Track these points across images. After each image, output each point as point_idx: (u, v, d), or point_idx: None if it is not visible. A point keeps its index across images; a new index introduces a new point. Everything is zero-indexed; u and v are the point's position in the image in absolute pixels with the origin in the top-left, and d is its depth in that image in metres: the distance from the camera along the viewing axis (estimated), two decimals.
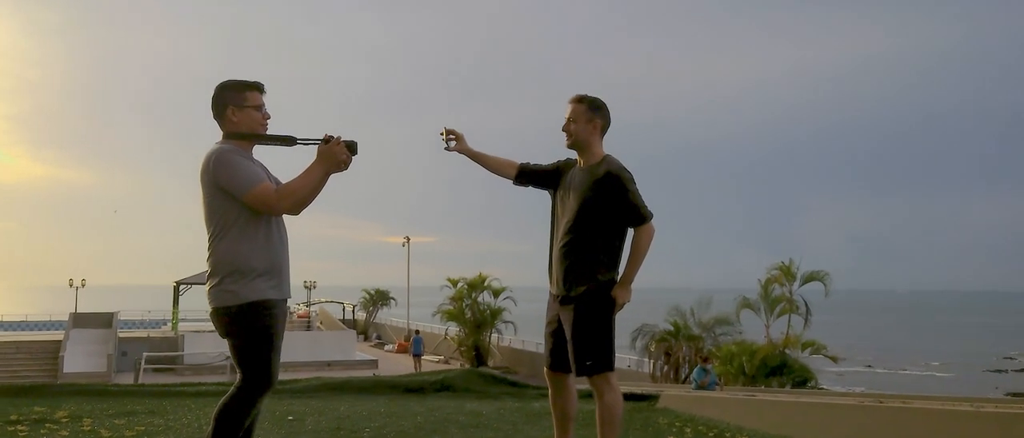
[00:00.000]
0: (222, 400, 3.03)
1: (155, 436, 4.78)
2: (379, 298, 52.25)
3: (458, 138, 3.61)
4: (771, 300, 25.26)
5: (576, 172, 3.50)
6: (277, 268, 3.09)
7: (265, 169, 3.17)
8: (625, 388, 10.90)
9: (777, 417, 11.63)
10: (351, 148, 3.07)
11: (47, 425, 5.09)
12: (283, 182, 3.19)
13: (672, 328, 25.60)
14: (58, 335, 31.86)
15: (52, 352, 29.62)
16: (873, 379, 42.39)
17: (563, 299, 3.44)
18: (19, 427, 4.98)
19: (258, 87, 3.17)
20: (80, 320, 32.99)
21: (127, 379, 25.78)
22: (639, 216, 3.35)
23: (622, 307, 3.41)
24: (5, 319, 46.58)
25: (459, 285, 35.02)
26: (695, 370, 16.15)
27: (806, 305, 25.10)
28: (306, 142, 3.09)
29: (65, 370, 27.97)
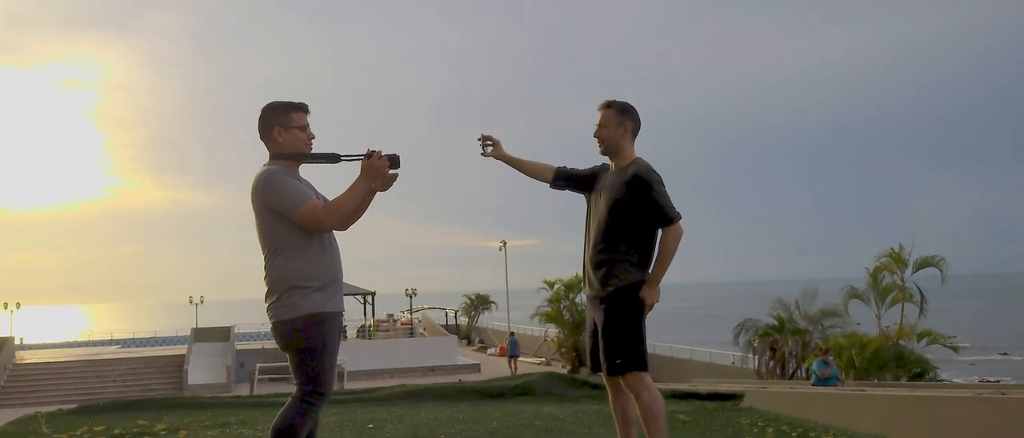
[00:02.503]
0: (280, 412, 3.14)
1: None
2: (480, 303, 52.90)
3: (495, 144, 3.67)
4: (882, 289, 24.06)
5: (608, 175, 3.56)
6: (331, 282, 3.19)
7: (311, 187, 3.28)
8: (714, 386, 10.64)
9: (882, 412, 11.09)
10: (393, 162, 3.15)
11: (145, 437, 5.43)
12: (329, 198, 3.31)
13: (776, 322, 24.78)
14: (182, 349, 33.86)
15: (177, 366, 31.52)
16: (1009, 368, 39.67)
17: (595, 300, 3.49)
18: None
19: (303, 108, 3.27)
20: (201, 335, 34.96)
21: (244, 389, 27.15)
22: (666, 217, 3.37)
23: (651, 307, 3.44)
24: (137, 336, 49.90)
25: (556, 287, 35.01)
26: (815, 362, 15.52)
27: (921, 293, 23.77)
28: (350, 158, 3.18)
29: (189, 382, 29.72)
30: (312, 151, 3.26)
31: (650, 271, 3.45)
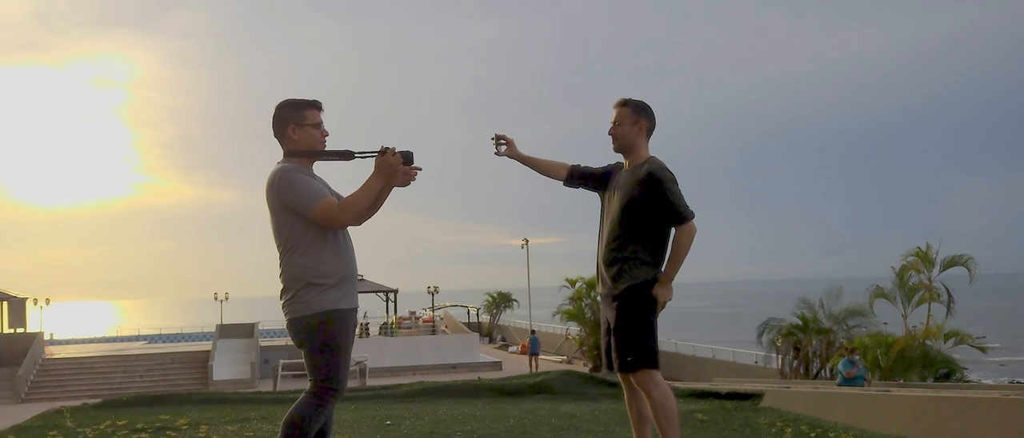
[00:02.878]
0: (292, 407, 3.16)
1: None
2: (502, 300, 52.97)
3: (508, 143, 3.69)
4: (908, 288, 23.76)
5: (622, 174, 3.57)
6: (346, 278, 3.20)
7: (325, 184, 3.29)
8: (733, 386, 10.56)
9: (907, 413, 10.94)
10: (407, 159, 3.16)
11: (167, 432, 5.49)
12: (343, 195, 3.33)
13: (800, 321, 24.56)
14: (207, 345, 34.25)
15: (202, 361, 31.89)
16: None
17: (608, 298, 3.50)
18: (142, 434, 5.40)
19: (317, 105, 3.27)
20: (226, 331, 35.35)
21: (268, 386, 27.40)
22: (678, 215, 3.37)
23: (664, 306, 3.43)
24: (164, 332, 50.60)
25: (578, 285, 34.96)
26: (841, 362, 15.35)
27: (948, 292, 23.44)
28: (364, 155, 3.20)
29: (214, 378, 30.05)
30: (326, 148, 3.27)
31: (662, 269, 3.45)
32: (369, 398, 7.24)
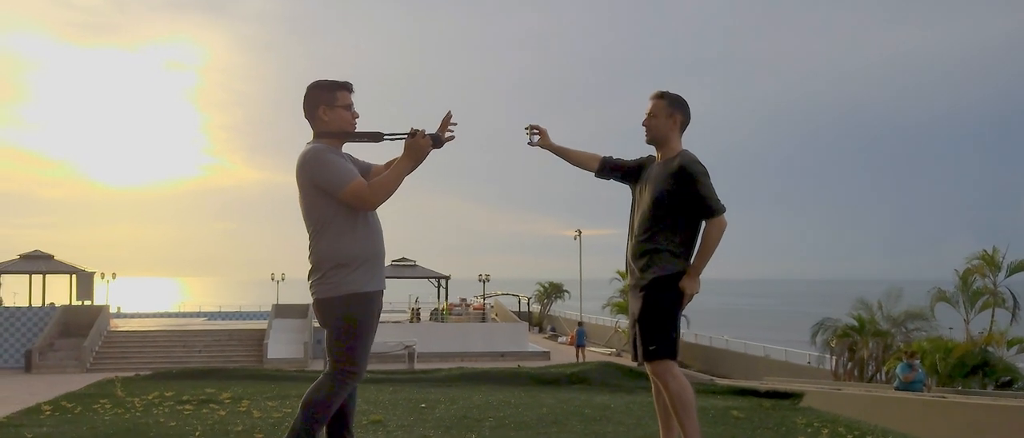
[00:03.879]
0: (312, 386, 3.20)
1: None
2: (553, 291, 52.96)
3: (541, 133, 3.71)
4: (971, 292, 22.99)
5: (654, 167, 3.56)
6: (375, 260, 3.22)
7: (355, 163, 3.31)
8: (775, 385, 10.35)
9: (963, 421, 10.60)
10: (437, 142, 3.19)
11: (210, 405, 5.68)
12: (370, 165, 3.35)
13: (856, 323, 23.97)
14: (263, 324, 35.13)
15: (258, 339, 32.74)
16: None
17: (636, 288, 3.50)
18: (186, 406, 5.60)
19: (347, 87, 3.30)
20: (281, 311, 36.18)
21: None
22: (709, 209, 3.36)
23: (690, 298, 3.41)
24: (223, 310, 52.03)
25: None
26: (899, 366, 14.87)
27: (1014, 298, 22.60)
28: (393, 137, 3.23)
29: (268, 356, 30.83)
30: (356, 130, 3.29)
31: (691, 262, 3.43)
32: (409, 381, 7.34)
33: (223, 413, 5.33)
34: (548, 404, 6.07)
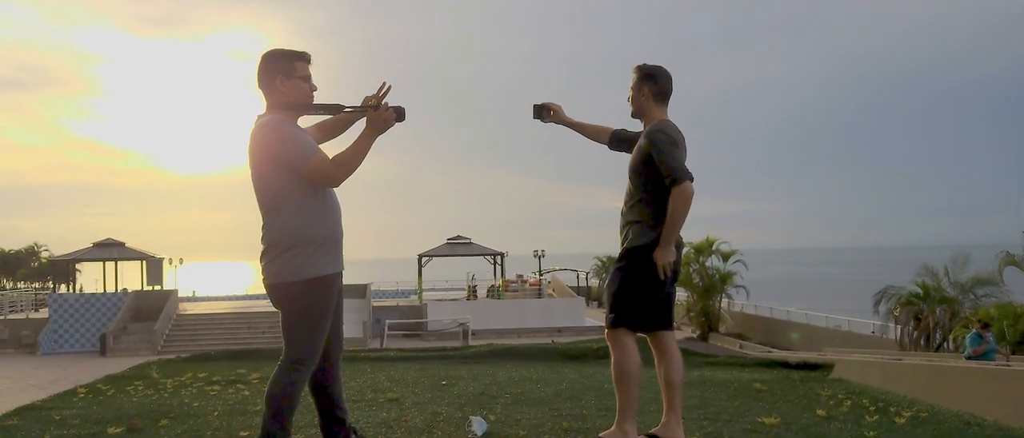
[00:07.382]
0: (269, 382, 3.02)
1: None
2: (611, 265, 52.64)
3: (556, 110, 3.73)
4: None
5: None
6: (333, 240, 3.05)
7: (313, 138, 3.11)
8: (807, 357, 10.04)
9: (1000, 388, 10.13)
10: (400, 115, 3.06)
11: (238, 385, 5.84)
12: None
13: (920, 290, 23.14)
14: None
15: None
16: None
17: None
18: (214, 387, 5.77)
19: (306, 57, 3.09)
20: (343, 291, 36.90)
21: (378, 344, 28.54)
22: (670, 178, 3.29)
23: (664, 269, 3.34)
24: None
25: (685, 250, 34.20)
26: (969, 336, 14.25)
27: None
28: (352, 110, 3.14)
29: None
30: (314, 102, 3.12)
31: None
32: (436, 358, 7.42)
33: (247, 393, 5.48)
34: (570, 379, 6.06)
